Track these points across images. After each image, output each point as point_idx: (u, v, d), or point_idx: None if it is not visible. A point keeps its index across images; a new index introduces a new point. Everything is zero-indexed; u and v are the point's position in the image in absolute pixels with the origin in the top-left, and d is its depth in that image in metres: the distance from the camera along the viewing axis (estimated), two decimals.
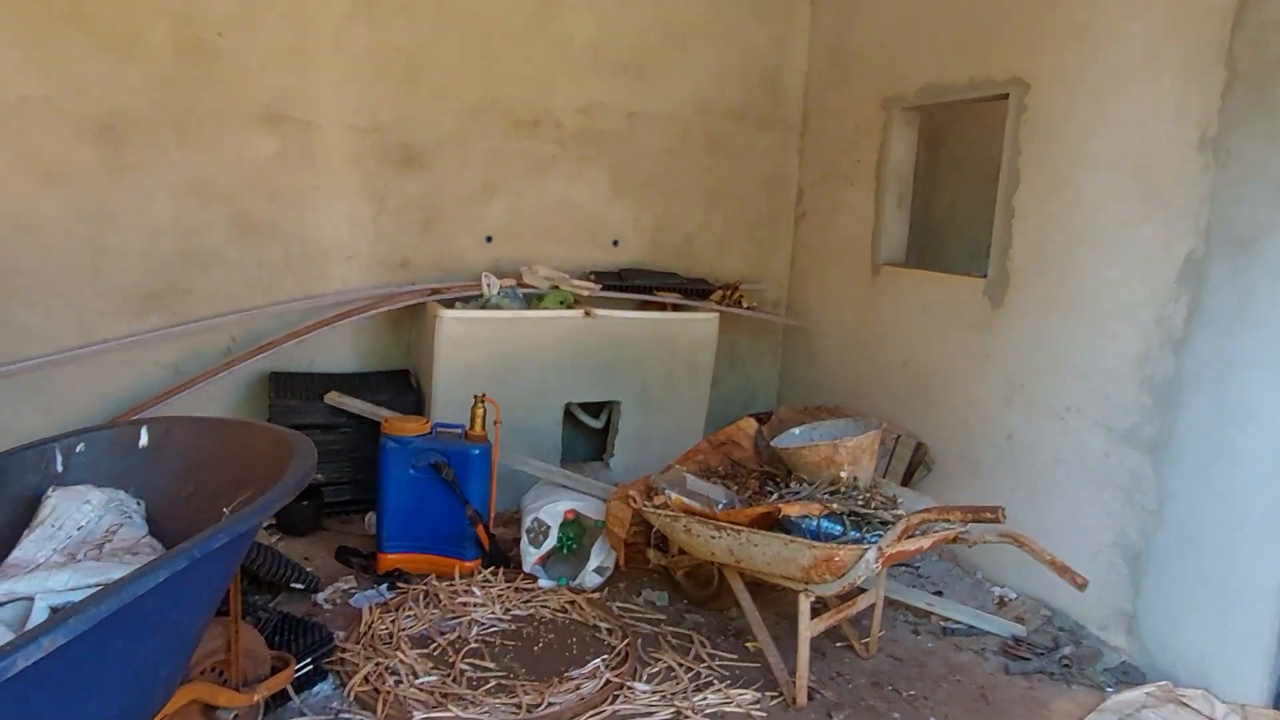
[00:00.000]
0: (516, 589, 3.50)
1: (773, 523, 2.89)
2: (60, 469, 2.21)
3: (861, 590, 3.09)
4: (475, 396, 3.67)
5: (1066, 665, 3.14)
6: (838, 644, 3.23)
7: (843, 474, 3.11)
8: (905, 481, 4.15)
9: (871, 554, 2.59)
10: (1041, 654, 3.23)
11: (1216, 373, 2.95)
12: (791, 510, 2.83)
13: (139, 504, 2.22)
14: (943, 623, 3.45)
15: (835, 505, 2.94)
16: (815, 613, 2.84)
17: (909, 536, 2.72)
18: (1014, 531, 2.80)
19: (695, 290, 4.80)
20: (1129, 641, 3.22)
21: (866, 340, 4.74)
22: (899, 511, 3.01)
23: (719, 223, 5.23)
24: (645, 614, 3.42)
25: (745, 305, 4.94)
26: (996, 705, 2.93)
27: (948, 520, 2.65)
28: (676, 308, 4.67)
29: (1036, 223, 3.67)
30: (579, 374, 4.38)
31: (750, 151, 5.23)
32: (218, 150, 4.09)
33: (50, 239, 3.88)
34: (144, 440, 2.31)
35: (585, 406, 4.70)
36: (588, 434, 4.83)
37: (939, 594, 3.71)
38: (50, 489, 2.13)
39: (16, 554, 1.93)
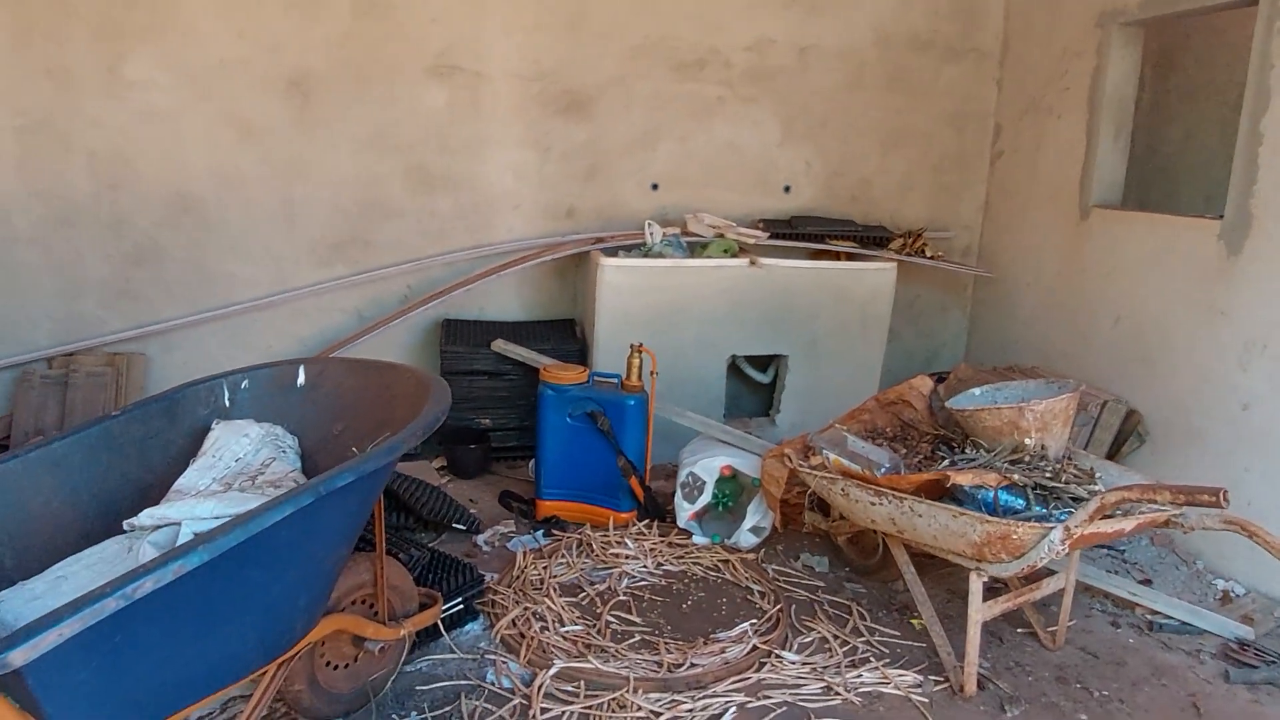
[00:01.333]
0: (670, 544, 3.42)
1: (942, 492, 2.60)
2: (227, 403, 2.34)
3: (1049, 572, 2.74)
4: (631, 346, 3.60)
5: None
6: (1018, 630, 2.91)
7: (1028, 441, 2.74)
8: (1112, 454, 3.67)
9: (1057, 534, 2.26)
10: (1273, 662, 2.76)
11: None
12: (963, 479, 2.53)
13: (294, 439, 2.32)
14: (1149, 616, 3.03)
15: (1016, 476, 2.59)
16: (991, 594, 2.55)
17: (1105, 517, 2.35)
18: (1241, 518, 2.36)
19: (872, 239, 4.45)
20: None
21: (1071, 293, 4.22)
22: (1095, 487, 2.62)
23: (900, 165, 4.82)
24: (802, 579, 3.24)
25: (929, 255, 4.54)
26: (1210, 718, 2.51)
27: (1154, 501, 2.26)
28: (851, 257, 4.36)
29: None
30: (744, 326, 4.22)
31: (936, 85, 4.74)
32: (393, 103, 4.22)
33: (250, 191, 4.17)
34: (301, 379, 2.40)
35: (752, 360, 4.52)
36: (754, 389, 4.65)
37: (1146, 583, 3.27)
38: (216, 421, 2.26)
39: (181, 481, 2.06)
